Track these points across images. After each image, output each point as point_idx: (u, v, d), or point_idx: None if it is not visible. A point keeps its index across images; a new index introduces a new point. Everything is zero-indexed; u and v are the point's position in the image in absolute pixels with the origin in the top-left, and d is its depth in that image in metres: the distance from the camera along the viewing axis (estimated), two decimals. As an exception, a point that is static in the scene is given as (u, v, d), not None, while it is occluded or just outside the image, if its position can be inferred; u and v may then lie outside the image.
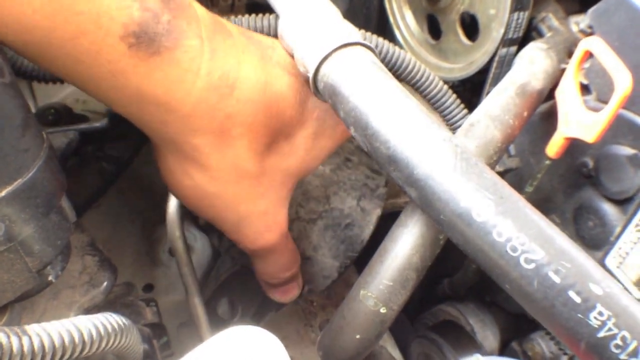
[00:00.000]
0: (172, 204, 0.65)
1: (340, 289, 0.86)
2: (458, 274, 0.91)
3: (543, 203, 0.71)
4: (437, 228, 0.54)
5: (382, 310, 0.53)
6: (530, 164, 0.71)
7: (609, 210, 0.64)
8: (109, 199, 0.75)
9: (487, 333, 0.96)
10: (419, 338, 1.01)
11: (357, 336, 0.54)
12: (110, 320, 0.39)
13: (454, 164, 0.42)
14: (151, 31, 0.42)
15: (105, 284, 0.48)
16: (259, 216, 0.56)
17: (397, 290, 0.53)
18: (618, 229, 0.63)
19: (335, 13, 0.54)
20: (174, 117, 0.46)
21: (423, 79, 0.65)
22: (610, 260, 0.64)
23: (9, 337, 0.32)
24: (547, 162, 0.63)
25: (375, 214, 0.66)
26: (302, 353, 0.85)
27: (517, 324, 0.92)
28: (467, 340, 0.93)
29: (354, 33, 0.52)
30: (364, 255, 0.61)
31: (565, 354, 0.74)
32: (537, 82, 0.58)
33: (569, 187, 0.69)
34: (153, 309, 0.61)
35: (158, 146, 0.51)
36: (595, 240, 0.66)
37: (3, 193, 0.36)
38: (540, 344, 0.84)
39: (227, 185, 0.52)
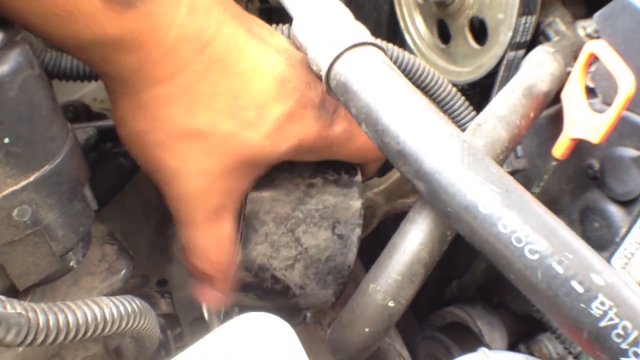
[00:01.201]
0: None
1: (349, 289, 0.87)
2: (466, 275, 0.92)
3: (550, 205, 0.72)
4: (444, 224, 0.56)
5: (391, 304, 0.54)
6: (537, 166, 0.73)
7: (615, 211, 0.65)
8: (125, 196, 0.77)
9: (494, 335, 0.97)
10: (426, 339, 1.02)
11: (366, 329, 0.55)
12: (130, 302, 0.40)
13: (461, 158, 0.44)
14: None
15: (123, 271, 0.50)
16: (195, 175, 0.54)
17: (405, 285, 0.54)
18: (623, 230, 0.64)
19: (348, 14, 0.56)
20: (143, 64, 0.49)
21: (432, 83, 0.67)
22: (616, 261, 0.65)
23: (36, 313, 0.34)
24: (554, 163, 0.64)
25: (355, 235, 0.62)
26: (311, 350, 0.86)
27: (525, 326, 0.92)
28: (474, 342, 0.94)
29: (365, 33, 0.53)
30: (373, 252, 0.62)
31: (570, 353, 0.75)
32: (544, 84, 0.60)
33: (576, 189, 0.70)
34: (168, 300, 0.63)
35: (116, 88, 0.52)
36: (601, 241, 0.67)
37: (31, 178, 0.38)
38: (547, 345, 0.85)
39: (172, 139, 0.53)
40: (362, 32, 0.53)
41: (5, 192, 0.38)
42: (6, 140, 0.36)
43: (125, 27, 0.45)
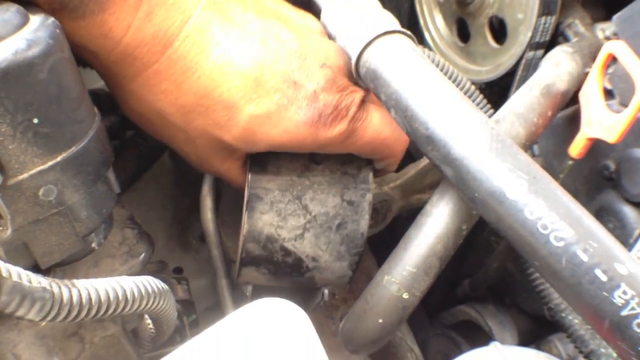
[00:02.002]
0: (206, 187, 0.68)
1: (362, 284, 0.88)
2: (478, 273, 0.93)
3: (565, 205, 0.73)
4: (461, 218, 0.56)
5: (405, 295, 0.55)
6: (553, 166, 0.73)
7: (629, 212, 0.66)
8: (143, 183, 0.78)
9: (505, 334, 0.97)
10: (437, 336, 1.02)
11: (380, 320, 0.56)
12: (151, 283, 0.41)
13: (489, 145, 0.44)
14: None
15: (143, 255, 0.51)
16: (187, 149, 0.57)
17: (420, 277, 0.55)
18: (637, 232, 0.64)
19: (376, 3, 0.57)
20: (106, 65, 0.50)
21: (452, 80, 0.67)
22: (630, 262, 0.65)
23: (60, 288, 0.35)
24: (570, 162, 0.64)
25: (366, 201, 0.59)
26: (323, 343, 0.86)
27: (536, 326, 0.92)
28: (485, 341, 0.93)
29: (394, 22, 0.54)
30: (387, 247, 0.62)
31: (581, 352, 0.75)
32: (562, 83, 0.60)
33: (591, 189, 0.70)
34: (184, 287, 0.64)
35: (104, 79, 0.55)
36: (615, 242, 0.68)
37: (58, 159, 0.40)
38: (558, 346, 0.85)
39: (158, 125, 0.55)
40: (391, 20, 0.54)
41: (32, 171, 0.39)
42: (35, 121, 0.38)
43: (77, 36, 0.46)
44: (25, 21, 0.39)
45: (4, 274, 0.32)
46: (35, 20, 0.39)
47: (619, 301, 0.39)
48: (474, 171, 0.44)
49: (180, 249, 0.83)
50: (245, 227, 0.57)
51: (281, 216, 0.57)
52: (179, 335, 0.64)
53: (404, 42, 0.51)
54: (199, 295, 0.77)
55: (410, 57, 0.49)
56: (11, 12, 0.39)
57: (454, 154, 0.45)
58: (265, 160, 0.58)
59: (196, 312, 0.66)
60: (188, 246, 0.83)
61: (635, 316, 0.38)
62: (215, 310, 0.77)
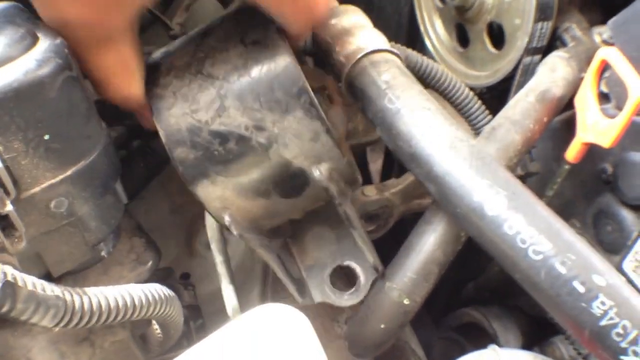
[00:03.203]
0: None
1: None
2: (482, 276, 0.94)
3: (565, 208, 0.74)
4: (458, 225, 0.58)
5: (406, 301, 0.56)
6: (551, 170, 0.74)
7: (627, 215, 0.67)
8: (151, 192, 0.80)
9: (509, 337, 0.98)
10: (442, 339, 1.03)
11: (382, 325, 0.58)
12: (158, 290, 0.43)
13: (469, 162, 0.46)
14: None
15: (150, 262, 0.53)
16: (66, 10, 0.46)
17: (420, 283, 0.56)
18: (635, 234, 0.65)
19: (367, 22, 0.59)
20: None
21: (450, 86, 0.68)
22: (627, 264, 0.66)
23: (72, 296, 0.37)
24: (567, 166, 0.66)
25: (272, 33, 0.50)
26: (328, 347, 0.88)
27: (539, 328, 0.93)
28: (489, 343, 0.94)
29: (381, 41, 0.56)
30: (389, 252, 0.63)
31: (579, 354, 0.76)
32: (558, 89, 0.62)
33: (589, 193, 0.71)
34: (191, 292, 0.65)
35: None
36: (614, 244, 0.69)
37: (68, 172, 0.41)
38: (560, 347, 0.86)
39: None
40: (379, 39, 0.55)
41: (44, 185, 0.41)
42: (46, 137, 0.39)
43: None
44: (34, 42, 0.41)
45: (20, 284, 0.34)
46: (44, 40, 0.41)
47: (597, 311, 0.40)
48: (455, 187, 0.46)
49: (187, 256, 0.84)
50: (161, 134, 0.50)
51: (189, 100, 0.49)
52: (186, 339, 0.65)
53: (390, 61, 0.53)
54: (205, 300, 0.79)
55: (394, 76, 0.51)
56: (21, 33, 0.41)
57: (436, 171, 0.46)
58: (154, 56, 0.53)
59: (203, 317, 0.67)
60: (194, 252, 0.84)
61: (614, 325, 0.40)
62: (222, 315, 0.78)
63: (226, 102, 0.49)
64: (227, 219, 0.52)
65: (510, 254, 0.43)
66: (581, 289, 0.41)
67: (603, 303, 0.40)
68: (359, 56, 0.53)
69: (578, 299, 0.41)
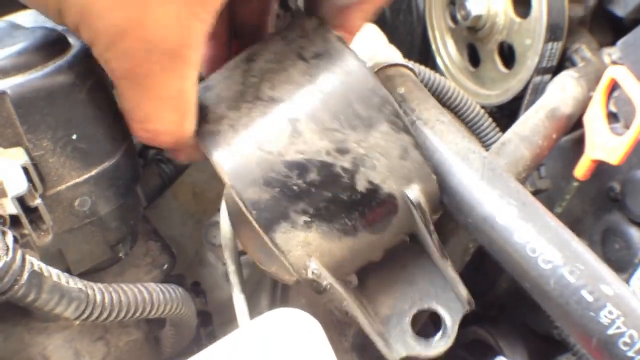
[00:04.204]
0: (225, 205, 0.71)
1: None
2: (489, 294, 0.94)
3: (573, 225, 0.74)
4: (467, 237, 0.59)
5: None
6: (560, 187, 0.75)
7: (635, 233, 0.67)
8: (164, 201, 0.81)
9: (515, 355, 0.98)
10: (449, 356, 1.03)
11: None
12: (175, 289, 0.44)
13: (481, 173, 0.47)
14: None
15: (165, 266, 0.54)
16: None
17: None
18: (642, 252, 0.66)
19: (383, 39, 0.61)
20: None
21: (461, 104, 0.70)
22: (635, 282, 0.67)
23: (94, 290, 0.38)
24: (575, 184, 0.67)
25: (334, 37, 0.44)
26: (335, 360, 0.88)
27: (546, 346, 0.93)
28: (495, 361, 0.95)
29: (396, 56, 0.58)
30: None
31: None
32: (567, 107, 0.63)
33: (598, 210, 0.72)
34: (202, 300, 0.66)
35: None
36: (621, 262, 0.69)
37: (93, 172, 0.43)
38: (567, 366, 0.86)
39: None
40: (393, 55, 0.57)
41: (69, 183, 0.42)
42: (74, 137, 0.41)
43: None
44: (67, 46, 0.42)
45: (46, 274, 0.35)
46: (76, 45, 0.43)
47: (605, 320, 0.41)
48: (467, 198, 0.47)
49: (198, 265, 0.85)
50: (225, 177, 0.42)
51: (254, 131, 0.42)
52: (196, 346, 0.66)
53: (405, 75, 0.54)
54: (215, 310, 0.80)
55: (409, 90, 0.53)
56: (53, 37, 0.43)
57: (449, 181, 0.47)
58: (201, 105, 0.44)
59: (213, 324, 0.68)
60: (205, 262, 0.85)
61: (621, 335, 0.41)
62: (231, 326, 0.79)
63: (299, 125, 0.42)
64: (313, 269, 0.44)
65: (520, 263, 0.44)
66: (589, 298, 0.42)
67: (611, 312, 0.41)
68: (374, 70, 0.54)
69: (586, 308, 0.42)
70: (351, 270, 0.50)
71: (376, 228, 0.45)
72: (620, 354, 0.41)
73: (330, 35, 0.44)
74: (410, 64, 0.67)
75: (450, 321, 0.52)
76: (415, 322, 0.52)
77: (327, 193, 0.42)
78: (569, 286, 0.42)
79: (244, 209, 0.42)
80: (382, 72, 0.55)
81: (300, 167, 0.42)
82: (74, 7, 0.36)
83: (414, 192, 0.44)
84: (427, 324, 0.57)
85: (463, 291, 0.50)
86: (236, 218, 0.55)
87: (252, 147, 0.42)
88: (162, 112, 0.41)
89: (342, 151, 0.42)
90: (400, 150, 0.43)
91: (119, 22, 0.36)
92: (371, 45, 0.59)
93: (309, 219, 0.43)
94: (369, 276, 0.53)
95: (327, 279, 0.44)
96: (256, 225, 0.43)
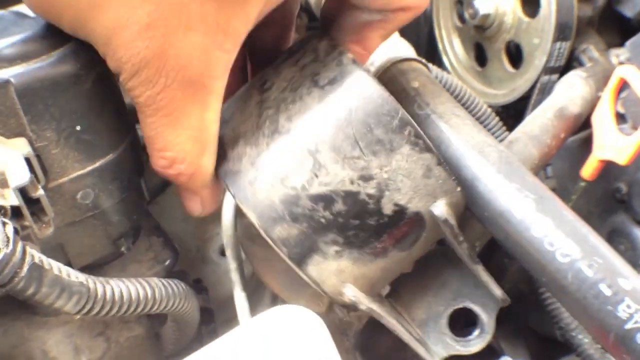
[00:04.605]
0: (227, 202, 0.70)
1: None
2: (491, 295, 0.94)
3: (578, 226, 0.74)
4: (474, 236, 0.58)
5: None
6: (567, 187, 0.74)
7: (640, 234, 0.67)
8: (166, 197, 0.80)
9: (518, 357, 0.98)
10: (451, 357, 1.03)
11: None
12: (177, 285, 0.44)
13: (498, 166, 0.46)
14: None
15: (168, 261, 0.54)
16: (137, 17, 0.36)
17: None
18: (648, 253, 0.66)
19: (396, 35, 0.60)
20: None
21: (469, 102, 0.69)
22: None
23: (95, 284, 0.38)
24: (582, 184, 0.66)
25: (348, 59, 0.43)
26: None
27: (548, 348, 0.93)
28: (497, 363, 0.94)
29: (409, 50, 0.57)
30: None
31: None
32: (575, 107, 0.62)
33: (604, 212, 0.71)
34: (204, 296, 0.66)
35: None
36: (627, 263, 0.69)
37: (96, 164, 0.42)
38: (570, 368, 0.86)
39: None
40: (407, 49, 0.57)
41: (72, 175, 0.42)
42: (78, 128, 0.40)
43: None
44: (72, 36, 0.42)
45: (46, 267, 0.35)
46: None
47: (623, 315, 0.40)
48: (483, 191, 0.46)
49: (200, 262, 0.85)
50: (250, 216, 0.42)
51: (275, 167, 0.42)
52: (198, 343, 0.65)
53: (418, 70, 0.54)
54: (217, 307, 0.79)
55: (423, 84, 0.52)
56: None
57: (465, 175, 0.47)
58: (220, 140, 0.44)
59: (214, 321, 0.68)
60: (208, 259, 0.85)
61: (639, 329, 0.40)
62: (232, 323, 0.78)
63: (320, 157, 0.41)
64: (350, 295, 0.45)
65: (537, 257, 0.43)
66: (607, 292, 0.41)
67: (629, 306, 0.40)
68: (387, 65, 0.54)
69: (604, 302, 0.41)
70: (384, 285, 0.51)
71: (406, 245, 0.45)
72: (638, 349, 0.40)
73: (344, 57, 0.43)
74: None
75: (486, 317, 0.54)
76: (451, 322, 0.53)
77: (354, 221, 0.42)
78: (586, 280, 0.42)
79: (274, 246, 0.43)
80: (395, 67, 0.55)
81: (326, 199, 0.41)
82: (100, 38, 0.37)
83: (440, 208, 0.44)
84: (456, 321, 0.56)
85: (497, 291, 0.52)
86: (257, 257, 0.57)
87: (276, 185, 0.42)
88: (183, 140, 0.41)
89: (366, 178, 0.41)
90: (424, 170, 0.43)
91: (143, 51, 0.37)
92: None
93: (340, 248, 0.43)
94: (401, 284, 0.54)
95: (365, 303, 0.45)
96: (288, 261, 0.43)
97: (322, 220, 0.42)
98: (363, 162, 0.41)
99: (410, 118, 0.42)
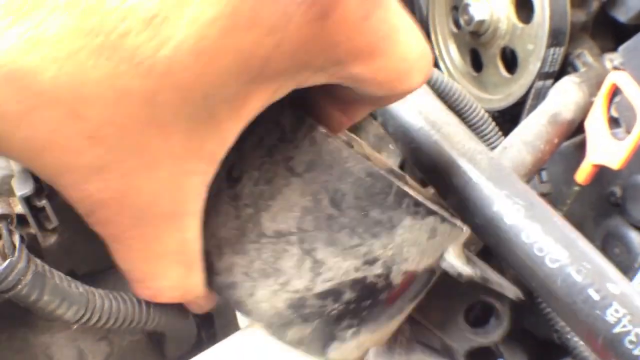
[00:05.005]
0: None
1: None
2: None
3: (574, 230, 0.75)
4: (468, 240, 0.59)
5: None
6: (561, 192, 0.75)
7: (635, 238, 0.68)
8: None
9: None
10: (449, 360, 1.03)
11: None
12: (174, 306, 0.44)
13: (488, 173, 0.47)
14: None
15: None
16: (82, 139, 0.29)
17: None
18: (643, 256, 0.66)
19: None
20: None
21: (467, 107, 0.70)
22: (635, 287, 0.67)
23: (95, 296, 0.38)
24: (576, 188, 0.67)
25: (335, 143, 0.38)
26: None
27: (546, 351, 0.94)
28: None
29: None
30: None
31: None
32: (568, 112, 0.64)
33: (599, 215, 0.72)
34: (204, 300, 0.66)
35: None
36: (621, 267, 0.69)
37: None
38: (567, 370, 0.86)
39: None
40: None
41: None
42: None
43: None
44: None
45: (49, 276, 0.36)
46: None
47: (611, 319, 0.41)
48: (474, 199, 0.47)
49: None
50: (260, 327, 0.42)
51: (271, 274, 0.39)
52: (198, 350, 0.66)
53: None
54: (217, 312, 0.80)
55: (416, 92, 0.53)
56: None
57: (456, 182, 0.48)
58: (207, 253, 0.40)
59: (214, 327, 0.68)
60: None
61: (627, 333, 0.41)
62: (232, 328, 0.79)
63: (317, 255, 0.39)
64: (371, 357, 0.44)
65: (528, 263, 0.44)
66: (596, 296, 0.42)
67: (617, 311, 0.41)
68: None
69: (593, 307, 0.42)
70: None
71: (420, 295, 0.45)
72: (626, 353, 0.41)
73: (316, 134, 0.37)
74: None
75: (501, 306, 0.55)
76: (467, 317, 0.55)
77: (366, 302, 0.40)
78: (575, 285, 0.42)
79: (291, 347, 0.41)
80: None
81: (334, 293, 0.39)
82: (46, 177, 0.33)
83: (450, 258, 0.43)
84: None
85: (509, 290, 0.53)
86: None
87: (278, 292, 0.39)
88: (164, 268, 0.37)
89: (371, 262, 0.39)
90: (429, 233, 0.41)
91: (96, 194, 0.32)
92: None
93: (356, 328, 0.41)
94: None
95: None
96: (309, 356, 0.42)
97: (334, 312, 0.40)
98: (365, 248, 0.39)
99: (404, 188, 0.39)
